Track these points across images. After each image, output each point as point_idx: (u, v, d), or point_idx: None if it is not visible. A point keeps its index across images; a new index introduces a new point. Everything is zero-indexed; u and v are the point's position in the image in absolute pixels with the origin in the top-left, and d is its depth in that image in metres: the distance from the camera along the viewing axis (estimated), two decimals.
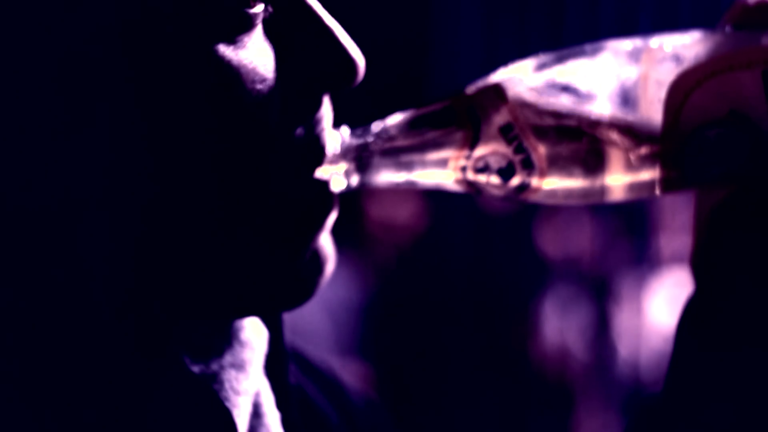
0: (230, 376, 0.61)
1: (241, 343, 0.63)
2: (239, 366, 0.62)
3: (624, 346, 3.25)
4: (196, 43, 0.54)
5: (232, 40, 0.55)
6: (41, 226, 0.55)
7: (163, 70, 0.54)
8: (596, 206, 3.67)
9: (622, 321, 3.29)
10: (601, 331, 3.33)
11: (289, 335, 0.68)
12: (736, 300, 0.60)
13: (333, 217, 0.60)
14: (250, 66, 0.55)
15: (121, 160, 0.54)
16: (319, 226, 0.60)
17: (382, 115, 0.61)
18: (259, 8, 0.56)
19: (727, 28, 0.61)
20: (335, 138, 0.60)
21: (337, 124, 0.62)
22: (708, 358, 0.61)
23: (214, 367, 0.61)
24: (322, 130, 0.59)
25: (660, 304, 3.06)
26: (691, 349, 0.62)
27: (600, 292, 3.37)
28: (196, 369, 0.60)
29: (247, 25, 0.55)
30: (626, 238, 3.53)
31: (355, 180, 0.60)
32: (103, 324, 0.56)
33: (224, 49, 0.54)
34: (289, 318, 0.68)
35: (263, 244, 0.58)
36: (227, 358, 0.62)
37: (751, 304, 0.60)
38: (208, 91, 0.54)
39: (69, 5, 0.53)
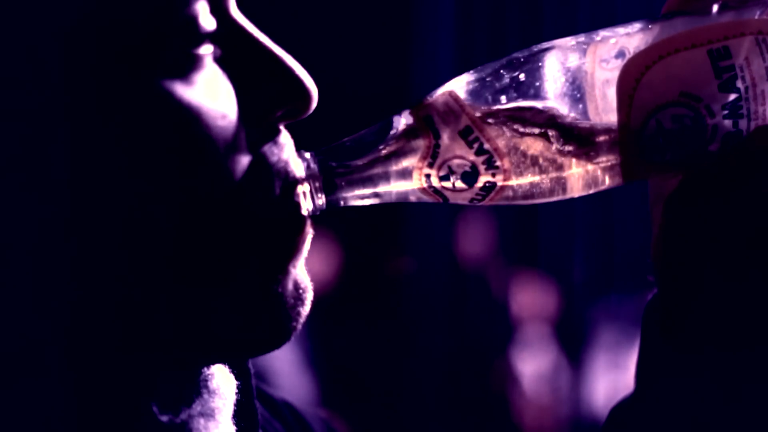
0: (199, 424, 0.61)
1: (210, 392, 0.62)
2: (208, 414, 0.62)
3: (600, 399, 3.24)
4: (148, 84, 0.54)
5: (185, 79, 0.55)
6: (8, 277, 0.55)
7: (120, 110, 0.54)
8: (573, 263, 3.69)
9: (599, 375, 3.28)
10: (577, 383, 3.32)
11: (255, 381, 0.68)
12: (696, 291, 0.60)
13: (308, 240, 0.61)
14: (207, 102, 0.56)
15: (83, 204, 0.54)
16: (293, 250, 0.60)
17: (364, 125, 0.62)
18: (206, 49, 0.57)
19: (669, 15, 0.62)
20: (299, 161, 0.60)
21: (319, 136, 0.62)
22: (672, 355, 0.61)
23: (183, 416, 0.61)
24: (286, 154, 0.59)
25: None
26: (656, 345, 0.62)
27: (575, 346, 3.37)
28: (164, 418, 0.59)
29: (196, 65, 0.56)
30: (602, 292, 3.54)
31: (321, 200, 0.61)
32: (71, 373, 0.56)
33: (177, 89, 0.55)
34: (262, 372, 0.67)
35: (239, 277, 0.58)
36: (196, 407, 0.61)
37: (711, 295, 0.60)
38: (167, 129, 0.55)
39: (19, 43, 0.53)
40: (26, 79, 0.53)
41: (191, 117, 0.55)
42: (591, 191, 0.62)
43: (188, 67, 0.56)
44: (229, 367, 0.65)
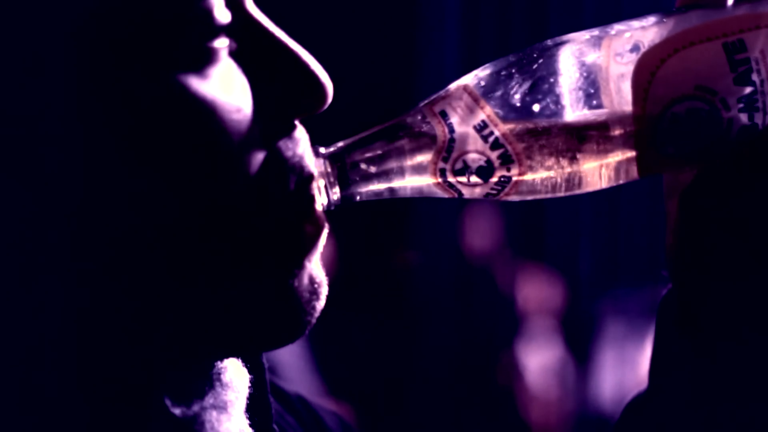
0: (211, 417, 0.61)
1: (223, 385, 0.62)
2: (221, 407, 0.62)
3: (606, 393, 3.24)
4: (163, 78, 0.54)
5: (200, 73, 0.55)
6: (14, 271, 0.54)
7: (133, 104, 0.54)
8: (579, 257, 3.69)
9: (605, 369, 3.28)
10: (583, 377, 3.32)
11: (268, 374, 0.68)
12: (712, 286, 0.60)
13: (323, 236, 0.60)
14: (221, 97, 0.55)
15: (96, 199, 0.54)
16: (308, 245, 0.59)
17: (371, 124, 0.62)
18: (221, 42, 0.56)
19: (683, 8, 0.62)
20: (314, 156, 0.60)
21: (325, 135, 0.62)
22: (688, 350, 0.61)
23: (196, 408, 0.61)
24: (301, 148, 0.59)
25: (645, 352, 3.06)
26: (671, 340, 0.62)
27: (581, 340, 3.37)
28: (177, 411, 0.59)
29: (212, 58, 0.56)
30: (612, 286, 3.53)
31: (336, 195, 0.61)
32: (83, 366, 0.56)
33: (192, 82, 0.55)
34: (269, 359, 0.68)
35: (254, 272, 0.57)
36: (209, 400, 0.61)
37: (727, 289, 0.59)
38: (182, 124, 0.54)
39: (31, 37, 0.53)
40: (38, 73, 0.53)
41: (206, 110, 0.55)
42: (606, 186, 0.62)
43: (203, 60, 0.55)
44: (243, 361, 0.65)
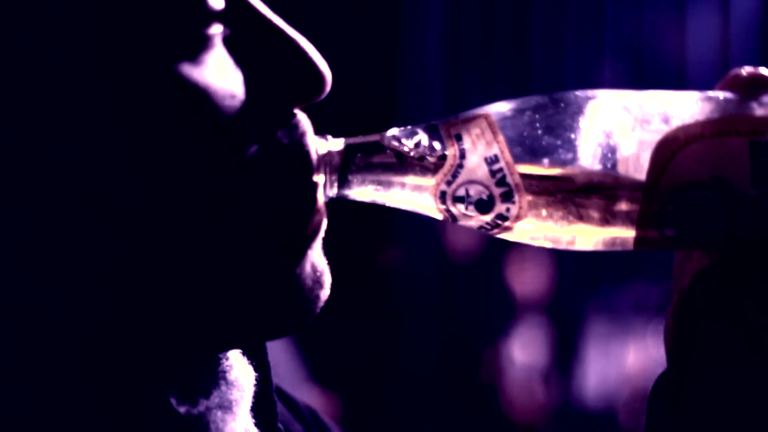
0: (216, 416, 0.60)
1: (228, 384, 0.62)
2: (226, 407, 0.61)
3: (591, 389, 3.25)
4: (155, 64, 0.53)
5: (193, 60, 0.54)
6: (15, 266, 0.54)
7: (128, 93, 0.53)
8: (563, 254, 3.69)
9: (589, 365, 3.29)
10: (567, 373, 3.33)
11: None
12: (708, 380, 0.59)
13: (324, 223, 0.60)
14: (215, 83, 0.54)
15: (92, 191, 0.53)
16: (309, 233, 0.59)
17: (353, 120, 0.61)
18: (216, 29, 0.55)
19: (720, 94, 0.61)
20: (315, 146, 0.59)
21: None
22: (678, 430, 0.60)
23: (201, 407, 0.60)
24: (302, 135, 0.58)
25: (629, 349, 3.07)
26: (662, 421, 0.62)
27: (566, 336, 3.38)
28: (182, 409, 0.59)
29: (206, 45, 0.55)
30: (596, 283, 3.54)
31: (333, 191, 0.60)
32: (87, 365, 0.56)
33: (186, 69, 0.54)
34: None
35: (255, 260, 0.57)
36: (214, 399, 0.61)
37: (723, 385, 0.59)
38: (177, 111, 0.53)
39: (27, 27, 0.52)
40: (30, 65, 0.52)
41: (200, 96, 0.54)
42: (597, 249, 0.61)
43: (197, 47, 0.54)
44: (248, 359, 0.65)
